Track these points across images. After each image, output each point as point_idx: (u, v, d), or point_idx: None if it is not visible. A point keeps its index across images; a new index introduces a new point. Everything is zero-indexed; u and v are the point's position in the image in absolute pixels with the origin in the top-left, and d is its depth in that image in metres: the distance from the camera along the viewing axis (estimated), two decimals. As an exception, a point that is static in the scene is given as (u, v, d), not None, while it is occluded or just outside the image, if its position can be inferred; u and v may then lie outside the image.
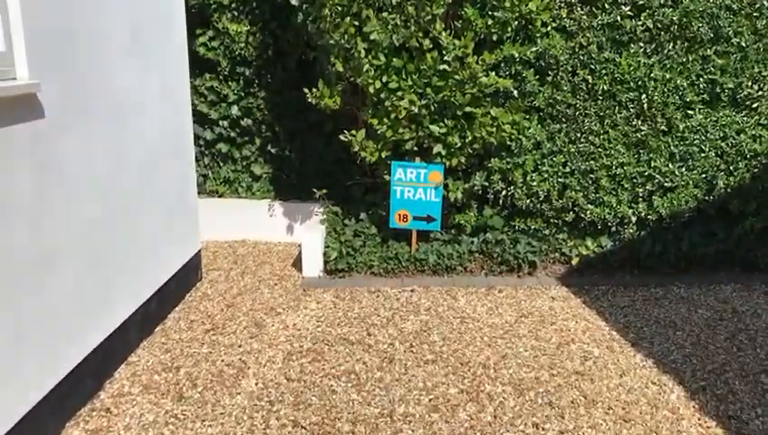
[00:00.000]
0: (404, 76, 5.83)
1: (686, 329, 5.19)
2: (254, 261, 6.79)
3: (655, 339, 5.03)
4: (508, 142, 5.98)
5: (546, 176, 6.08)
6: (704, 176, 6.05)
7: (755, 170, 5.98)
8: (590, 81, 5.86)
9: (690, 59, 5.78)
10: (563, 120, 6.02)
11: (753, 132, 5.92)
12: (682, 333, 5.13)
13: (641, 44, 5.79)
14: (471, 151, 6.01)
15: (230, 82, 7.28)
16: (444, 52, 5.65)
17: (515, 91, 5.90)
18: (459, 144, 5.94)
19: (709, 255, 6.23)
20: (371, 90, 5.86)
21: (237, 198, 7.48)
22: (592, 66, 5.82)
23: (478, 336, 5.06)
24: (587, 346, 4.90)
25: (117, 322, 4.56)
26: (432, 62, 5.68)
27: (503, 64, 5.90)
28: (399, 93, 5.83)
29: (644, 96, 5.85)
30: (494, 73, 5.83)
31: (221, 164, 7.57)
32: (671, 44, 5.77)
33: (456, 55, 5.64)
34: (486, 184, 6.13)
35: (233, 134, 7.39)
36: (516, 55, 5.78)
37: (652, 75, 5.79)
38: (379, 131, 6.04)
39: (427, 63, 5.71)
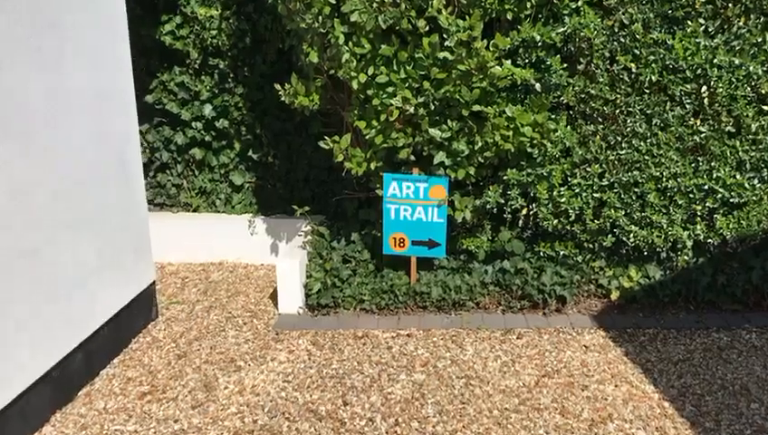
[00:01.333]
0: (395, 67, 4.64)
1: (764, 400, 3.91)
2: (228, 290, 5.71)
3: (722, 416, 3.77)
4: (529, 149, 4.74)
5: (578, 190, 4.83)
6: (782, 189, 4.73)
7: None
8: (634, 69, 4.57)
9: (767, 38, 4.44)
10: (599, 120, 4.76)
11: None
12: (759, 405, 3.86)
13: (701, 21, 4.47)
14: (482, 161, 4.80)
15: (203, 77, 6.19)
16: (445, 35, 4.44)
17: (537, 85, 4.65)
18: (467, 152, 4.73)
19: (788, 287, 4.92)
20: (355, 85, 4.68)
21: (214, 213, 6.41)
22: (636, 51, 4.53)
23: (486, 408, 3.88)
24: (629, 427, 3.67)
25: (13, 392, 3.52)
26: (430, 50, 4.47)
27: (520, 50, 4.66)
28: (390, 89, 4.65)
29: (704, 88, 4.54)
30: (509, 62, 4.59)
31: (196, 172, 6.50)
32: (741, 20, 4.45)
33: (459, 40, 4.43)
34: (502, 201, 4.91)
35: (208, 138, 6.30)
36: (538, 38, 4.53)
37: (715, 61, 4.47)
38: (366, 137, 4.87)
39: (423, 51, 4.50)
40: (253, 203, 6.39)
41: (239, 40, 6.01)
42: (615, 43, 4.56)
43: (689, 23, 4.47)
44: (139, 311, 4.90)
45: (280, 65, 6.02)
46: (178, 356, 4.56)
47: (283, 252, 6.12)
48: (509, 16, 4.51)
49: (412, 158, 4.90)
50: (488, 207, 4.90)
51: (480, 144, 4.69)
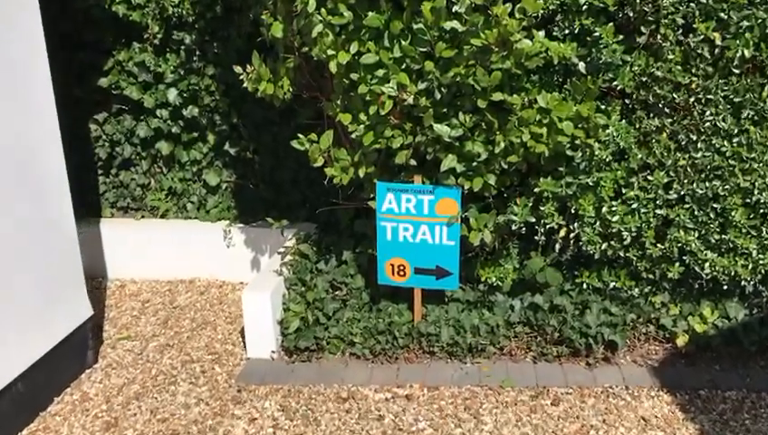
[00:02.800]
0: (387, 43, 3.43)
1: None
2: (194, 320, 4.65)
3: None
4: (569, 152, 3.51)
5: (635, 205, 3.59)
6: None
7: None
8: (719, 41, 3.28)
9: None
10: (667, 111, 3.49)
11: None
12: None
13: (821, -30, 3.15)
14: (505, 167, 3.59)
15: (167, 55, 5.05)
16: (453, -1, 3.22)
17: (581, 64, 3.40)
18: (485, 155, 3.53)
19: None
20: (333, 68, 3.50)
21: (185, 220, 5.32)
22: (723, 15, 3.23)
23: None
24: None
25: None
26: (433, 18, 3.25)
27: (558, 17, 3.40)
28: (381, 72, 3.45)
29: (821, 66, 3.23)
30: (541, 34, 3.34)
31: (164, 170, 5.41)
32: None
33: (473, 4, 3.19)
34: (533, 219, 3.69)
35: (176, 129, 5.19)
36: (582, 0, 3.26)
37: (839, 27, 3.15)
38: (353, 135, 3.69)
39: (424, 20, 3.28)
40: (231, 207, 5.28)
41: (207, 9, 4.84)
42: (692, 4, 3.26)
43: (803, -28, 3.14)
44: (68, 357, 3.88)
45: (258, 39, 4.83)
46: (106, 426, 3.52)
47: (266, 267, 5.01)
48: (542, -31, 3.25)
49: (413, 162, 3.71)
50: (514, 227, 3.69)
51: (503, 145, 3.47)
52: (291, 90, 3.83)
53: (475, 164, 3.60)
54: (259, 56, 3.84)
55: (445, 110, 3.53)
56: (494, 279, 3.87)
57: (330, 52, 3.46)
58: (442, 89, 3.44)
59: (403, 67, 3.44)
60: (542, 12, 3.34)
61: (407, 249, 3.88)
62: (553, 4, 3.32)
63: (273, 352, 4.09)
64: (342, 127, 3.79)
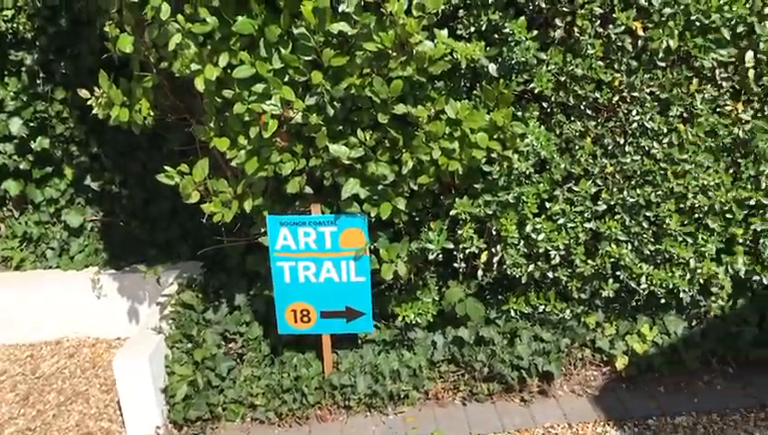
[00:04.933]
0: (263, 52, 2.84)
1: None
2: (61, 392, 3.88)
3: None
4: (485, 166, 3.04)
5: (562, 220, 3.18)
6: None
7: None
8: (641, 32, 2.91)
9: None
10: (590, 113, 3.10)
11: None
12: None
13: (744, -52, 2.84)
14: (416, 188, 3.08)
15: (5, 80, 4.23)
16: (339, -4, 2.68)
17: (492, 66, 2.95)
18: (391, 177, 3.01)
19: None
20: (200, 85, 2.88)
21: (45, 269, 4.50)
22: (643, 2, 2.86)
23: None
24: None
25: None
26: (316, 20, 2.70)
27: (462, 13, 2.93)
28: (260, 87, 2.86)
29: (749, 55, 2.92)
30: (445, 33, 2.86)
31: (15, 213, 4.57)
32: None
33: (362, 2, 2.67)
34: (451, 245, 3.21)
35: (24, 164, 4.36)
36: (489, -8, 2.81)
37: (766, 10, 2.84)
38: (233, 163, 3.08)
39: (307, 23, 2.72)
40: (99, 251, 4.51)
41: (49, 23, 4.08)
42: (610, -9, 2.87)
43: (726, -49, 2.81)
44: None
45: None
46: None
47: (146, 316, 4.27)
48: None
49: (309, 190, 3.14)
50: (431, 254, 3.19)
51: (411, 164, 2.97)
52: (152, 113, 3.17)
53: (380, 188, 3.08)
54: (108, 76, 3.15)
55: (340, 127, 2.99)
56: (412, 316, 3.36)
57: (194, 66, 2.84)
58: (335, 103, 2.90)
59: (286, 80, 2.87)
60: (442, 8, 2.86)
61: (310, 291, 3.31)
62: (456, -3, 2.85)
63: (158, 427, 3.41)
64: (221, 154, 3.18)
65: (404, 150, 2.99)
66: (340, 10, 2.70)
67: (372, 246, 3.26)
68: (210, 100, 3.04)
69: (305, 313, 3.35)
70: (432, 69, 2.81)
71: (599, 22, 2.91)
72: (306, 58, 2.82)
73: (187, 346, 3.58)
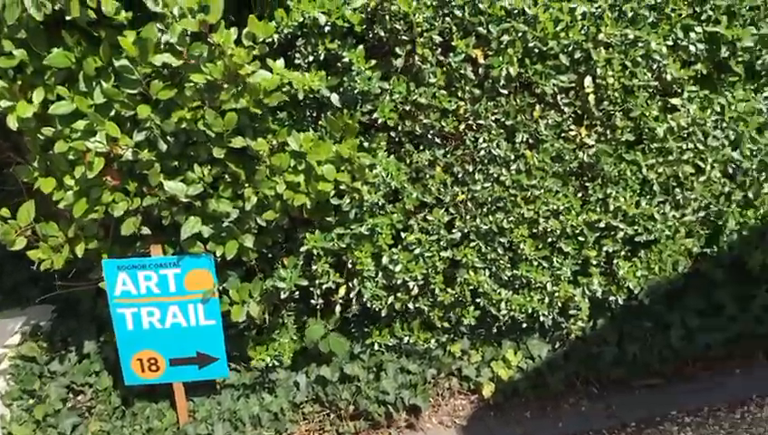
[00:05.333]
0: (83, 86, 2.63)
1: None
2: None
3: None
4: (334, 200, 2.93)
5: (418, 250, 3.11)
6: (702, 214, 3.27)
7: (792, 194, 3.26)
8: (481, 59, 2.88)
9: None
10: (438, 142, 3.04)
11: (787, 127, 3.16)
12: None
13: (576, -25, 2.85)
14: (263, 224, 2.94)
15: None
16: (161, 25, 2.50)
17: (334, 96, 2.85)
18: (235, 213, 2.86)
19: (716, 344, 3.52)
20: (12, 124, 2.63)
21: None
22: (482, 29, 2.83)
23: None
24: None
25: None
26: (138, 51, 2.51)
27: (299, 41, 2.82)
28: (82, 124, 2.64)
29: (588, 80, 2.94)
30: (281, 63, 2.73)
31: None
32: (631, -29, 2.88)
33: (186, 31, 2.50)
34: (305, 282, 3.08)
35: None
36: (323, 19, 2.71)
37: (601, 37, 2.87)
38: (60, 205, 2.84)
39: (129, 54, 2.53)
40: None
41: None
42: (447, 19, 2.82)
43: (559, -21, 2.82)
44: None
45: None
46: None
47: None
48: (267, -15, 2.64)
49: (146, 230, 2.93)
50: (284, 293, 3.05)
51: (254, 200, 2.82)
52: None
53: (225, 225, 2.91)
54: None
55: (176, 163, 2.81)
56: (268, 359, 3.20)
57: (4, 103, 2.59)
58: (167, 138, 2.71)
59: (112, 115, 2.66)
60: (278, 37, 2.74)
61: (156, 338, 3.10)
62: (290, 26, 2.72)
63: (-8, 497, 3.10)
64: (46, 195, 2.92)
65: (246, 185, 2.84)
66: (163, 41, 2.53)
67: (221, 287, 3.08)
68: (32, 138, 2.79)
69: (153, 361, 3.13)
70: (268, 100, 2.68)
71: (439, 50, 2.86)
72: (131, 91, 2.63)
73: (28, 403, 3.30)
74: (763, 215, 3.28)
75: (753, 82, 3.14)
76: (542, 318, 3.33)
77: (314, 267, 3.07)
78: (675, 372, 3.57)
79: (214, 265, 3.00)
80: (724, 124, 3.11)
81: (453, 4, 2.80)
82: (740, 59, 3.03)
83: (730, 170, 3.21)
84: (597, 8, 2.85)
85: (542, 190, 3.09)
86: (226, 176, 2.85)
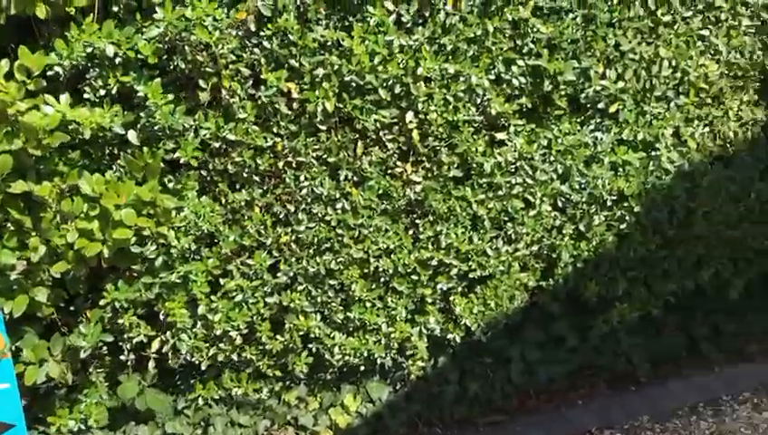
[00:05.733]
0: None
1: None
2: None
3: None
4: (134, 248, 2.65)
5: (240, 297, 2.88)
6: (536, 248, 3.22)
7: (621, 226, 3.26)
8: (296, 93, 2.70)
9: (490, 31, 2.81)
10: (256, 181, 2.83)
11: (614, 159, 3.15)
12: None
13: (389, 6, 2.72)
14: (58, 276, 2.62)
15: None
16: None
17: (130, 133, 2.58)
18: (21, 266, 2.53)
19: (558, 376, 3.49)
20: None
21: None
22: (294, 61, 2.65)
23: None
24: None
25: None
26: None
27: (90, 74, 2.54)
28: None
29: (410, 115, 2.82)
30: (64, 98, 2.45)
31: None
32: (444, 2, 2.78)
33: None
34: (111, 337, 2.78)
35: None
36: (112, 51, 2.44)
37: (420, 71, 2.75)
38: None
39: None
40: None
41: None
42: (256, 50, 2.62)
43: (371, 9, 2.67)
44: None
45: None
46: None
47: None
48: (41, 14, 2.34)
49: None
50: (83, 353, 2.74)
51: (43, 250, 2.51)
52: None
53: (13, 278, 2.57)
54: None
55: (-59, 209, 2.46)
56: (72, 424, 2.87)
57: None
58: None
59: None
60: (63, 70, 2.45)
61: (-64, 408, 2.70)
62: (75, 58, 2.44)
63: None
64: None
65: (33, 234, 2.52)
66: None
67: (13, 347, 2.73)
68: None
69: (-64, 433, 2.73)
70: (49, 141, 2.38)
71: (250, 83, 2.66)
72: None
73: None
74: (596, 247, 3.27)
75: (578, 115, 3.11)
76: (379, 360, 3.18)
77: (120, 321, 2.78)
78: (518, 407, 3.50)
79: (3, 323, 2.65)
80: (552, 158, 3.07)
81: (262, 34, 2.61)
82: (563, 92, 2.99)
83: (560, 204, 3.17)
84: (415, 41, 2.73)
85: (371, 229, 2.94)
86: (9, 224, 2.52)
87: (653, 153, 3.19)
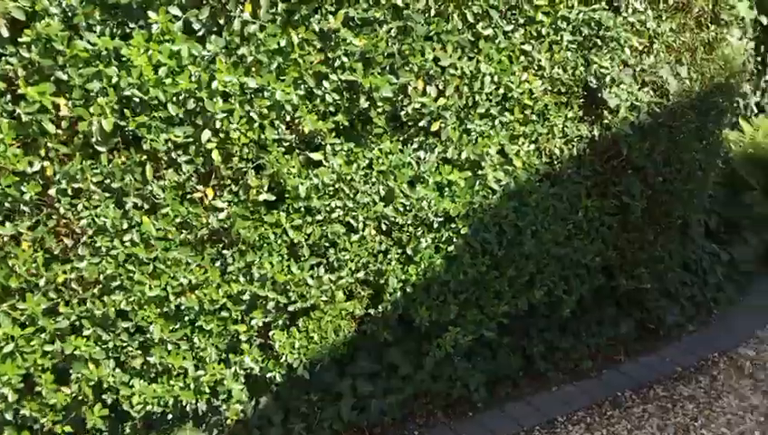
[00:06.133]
0: None
1: None
2: None
3: None
4: None
5: (10, 348, 2.45)
6: (361, 275, 3.00)
7: (450, 248, 3.10)
8: (64, 110, 2.31)
9: (296, 42, 2.56)
10: (25, 211, 2.41)
11: (438, 179, 2.99)
12: None
13: (176, 12, 2.39)
14: None
15: None
16: None
17: None
18: None
19: (392, 407, 3.29)
20: None
21: None
22: (60, 75, 2.26)
23: None
24: None
25: None
26: None
27: None
28: None
29: (207, 134, 2.50)
30: None
31: None
32: (247, 9, 2.49)
33: None
34: None
35: None
36: None
37: (213, 85, 2.45)
38: None
39: None
40: None
41: None
42: (13, 60, 2.21)
43: (153, 15, 2.33)
44: None
45: None
46: None
47: None
48: None
49: None
50: None
51: None
52: None
53: None
54: None
55: None
56: None
57: None
58: None
59: None
60: None
61: None
62: None
63: None
64: None
65: None
66: None
67: None
68: None
69: None
70: None
71: (7, 98, 2.24)
72: None
73: None
74: (425, 270, 3.09)
75: (400, 133, 2.92)
76: (189, 407, 2.83)
77: None
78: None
79: None
80: (374, 179, 2.86)
81: (20, 41, 2.20)
82: (381, 110, 2.78)
83: (384, 227, 2.96)
84: (208, 52, 2.42)
85: (168, 263, 2.59)
86: None
87: (479, 172, 3.06)
